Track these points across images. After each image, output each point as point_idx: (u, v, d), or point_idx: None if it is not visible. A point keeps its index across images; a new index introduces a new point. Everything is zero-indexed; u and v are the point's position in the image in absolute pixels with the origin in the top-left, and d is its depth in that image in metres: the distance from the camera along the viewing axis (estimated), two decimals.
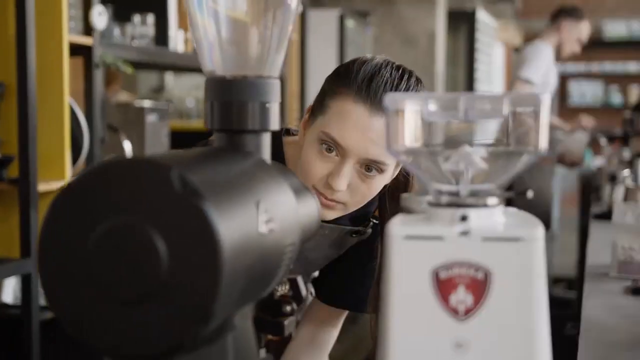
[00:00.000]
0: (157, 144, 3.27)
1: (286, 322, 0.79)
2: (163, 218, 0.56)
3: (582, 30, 4.85)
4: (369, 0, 5.95)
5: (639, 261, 1.84)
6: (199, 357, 0.60)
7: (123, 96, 4.47)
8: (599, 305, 1.64)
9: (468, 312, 0.64)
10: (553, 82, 4.81)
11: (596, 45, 7.90)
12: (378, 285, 1.37)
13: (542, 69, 4.64)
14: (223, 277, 0.56)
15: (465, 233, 0.64)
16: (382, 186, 1.30)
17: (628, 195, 2.57)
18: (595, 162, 5.31)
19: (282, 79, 4.39)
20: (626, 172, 2.91)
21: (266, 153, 0.73)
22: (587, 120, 5.16)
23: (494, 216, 0.66)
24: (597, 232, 2.66)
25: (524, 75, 4.57)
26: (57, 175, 2.61)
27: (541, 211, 4.44)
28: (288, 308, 0.80)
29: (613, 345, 1.40)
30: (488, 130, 0.71)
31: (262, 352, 0.83)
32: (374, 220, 1.44)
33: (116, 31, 3.07)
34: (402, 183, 1.37)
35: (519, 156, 0.68)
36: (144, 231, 0.56)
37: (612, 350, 1.38)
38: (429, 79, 5.85)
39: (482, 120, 0.70)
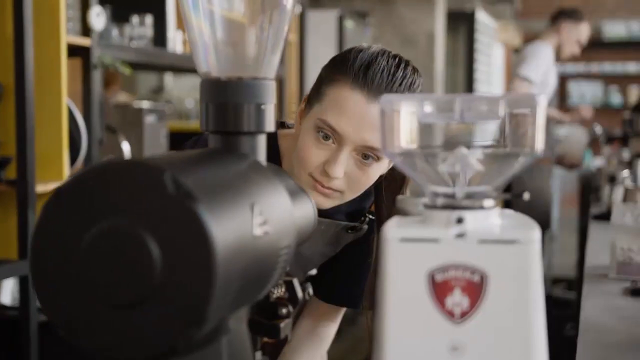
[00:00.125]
0: (156, 145, 3.26)
1: (282, 325, 0.79)
2: (156, 221, 0.56)
3: (581, 32, 4.85)
4: (368, 0, 5.95)
5: (638, 262, 1.83)
6: None
7: (122, 97, 4.47)
8: (597, 306, 1.64)
9: (464, 315, 0.63)
10: (552, 82, 4.81)
11: (596, 46, 7.90)
12: (374, 281, 1.37)
13: (542, 69, 4.64)
14: (217, 280, 0.55)
15: (461, 235, 0.64)
16: (379, 175, 1.30)
17: (627, 196, 2.56)
18: (594, 162, 5.31)
19: (281, 80, 4.39)
20: (625, 172, 2.91)
21: (262, 155, 0.73)
22: (587, 110, 5.15)
23: (490, 218, 0.65)
24: (597, 232, 2.65)
25: (523, 73, 4.57)
26: (55, 176, 2.60)
27: (541, 212, 4.44)
28: (284, 310, 0.80)
29: (612, 347, 1.39)
30: (487, 131, 0.71)
31: (258, 355, 0.83)
32: (370, 216, 1.44)
33: (114, 32, 3.06)
34: (398, 174, 1.37)
35: (516, 158, 0.67)
36: (137, 234, 0.56)
37: (611, 351, 1.37)
38: (429, 79, 5.84)
39: (480, 121, 0.69)
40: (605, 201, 3.39)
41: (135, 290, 0.56)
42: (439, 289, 0.63)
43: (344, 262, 1.49)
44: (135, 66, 3.41)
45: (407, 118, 0.67)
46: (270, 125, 0.72)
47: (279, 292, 0.82)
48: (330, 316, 1.55)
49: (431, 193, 0.67)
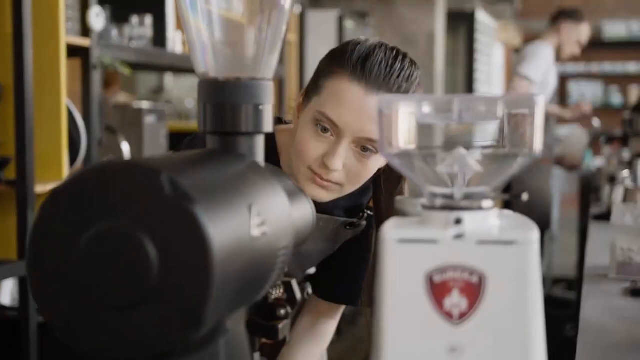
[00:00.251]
0: (156, 145, 3.26)
1: (280, 326, 0.79)
2: (154, 222, 0.55)
3: (581, 32, 4.84)
4: (368, 0, 5.95)
5: (638, 262, 1.83)
6: None
7: (122, 97, 4.46)
8: (597, 306, 1.63)
9: (462, 316, 0.63)
10: (553, 82, 4.80)
11: (596, 46, 7.89)
12: (372, 278, 1.37)
13: (542, 68, 4.64)
14: (214, 281, 0.55)
15: (459, 236, 0.63)
16: (378, 167, 1.29)
17: (627, 196, 2.56)
18: (595, 162, 5.31)
19: (281, 80, 4.39)
20: (625, 172, 2.90)
21: (260, 155, 0.72)
22: (587, 106, 5.14)
23: (489, 219, 0.65)
24: (597, 233, 2.65)
25: (523, 72, 4.57)
26: (54, 176, 2.60)
27: (541, 212, 4.44)
28: (282, 311, 0.79)
29: (611, 347, 1.39)
30: (487, 131, 0.71)
31: (257, 356, 0.83)
32: (368, 212, 1.44)
33: (114, 32, 3.06)
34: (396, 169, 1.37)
35: (514, 158, 0.67)
36: (134, 235, 0.55)
37: (611, 352, 1.37)
38: (429, 79, 5.84)
39: (478, 122, 0.69)
40: (605, 201, 3.39)
41: (132, 291, 0.55)
42: (438, 290, 0.63)
43: (342, 260, 1.49)
44: (135, 66, 3.41)
45: (405, 118, 0.67)
46: (268, 126, 0.72)
47: (278, 293, 0.82)
48: (330, 314, 1.55)
49: (429, 194, 0.67)
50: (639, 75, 8.83)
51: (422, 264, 0.63)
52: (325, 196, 1.29)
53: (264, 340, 0.90)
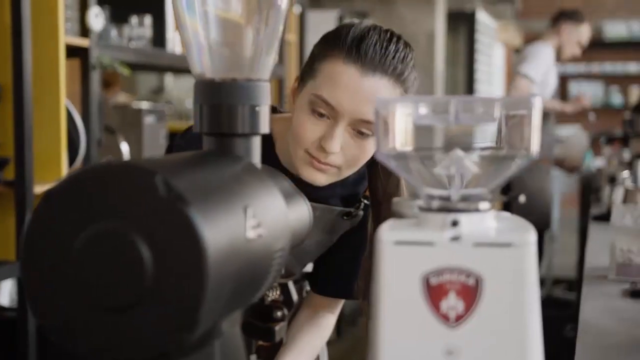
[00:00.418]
0: (155, 145, 3.26)
1: (277, 328, 0.78)
2: (148, 224, 0.55)
3: (582, 33, 4.84)
4: (368, 0, 5.94)
5: (637, 263, 1.83)
6: None
7: (122, 97, 4.46)
8: (597, 307, 1.63)
9: (459, 318, 0.63)
10: (553, 82, 4.80)
11: (596, 46, 7.89)
12: (369, 267, 1.37)
13: (542, 68, 4.64)
14: (209, 284, 0.55)
15: (456, 238, 0.63)
16: (375, 150, 1.29)
17: (627, 197, 2.55)
18: (595, 163, 5.30)
19: (281, 80, 4.39)
20: (625, 173, 2.90)
21: (256, 157, 0.72)
22: (586, 99, 5.14)
23: (486, 221, 0.65)
24: (596, 233, 2.65)
25: (524, 71, 4.57)
26: (53, 177, 2.60)
27: (541, 212, 4.43)
28: (279, 313, 0.79)
29: (611, 348, 1.39)
30: (487, 132, 0.70)
31: (253, 358, 0.82)
32: (365, 201, 1.43)
33: (113, 32, 3.06)
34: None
35: (512, 160, 0.67)
36: (128, 237, 0.55)
37: (610, 353, 1.37)
38: (429, 79, 5.84)
39: (475, 123, 0.69)
40: (606, 202, 3.38)
41: (126, 293, 0.55)
42: (434, 293, 0.63)
43: (339, 254, 1.49)
44: (134, 67, 3.41)
45: (402, 120, 0.66)
46: (264, 127, 0.72)
47: (274, 294, 0.82)
48: (329, 308, 1.54)
49: (426, 195, 0.66)
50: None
51: (418, 266, 0.63)
52: (323, 179, 1.29)
53: (260, 342, 0.90)
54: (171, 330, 0.55)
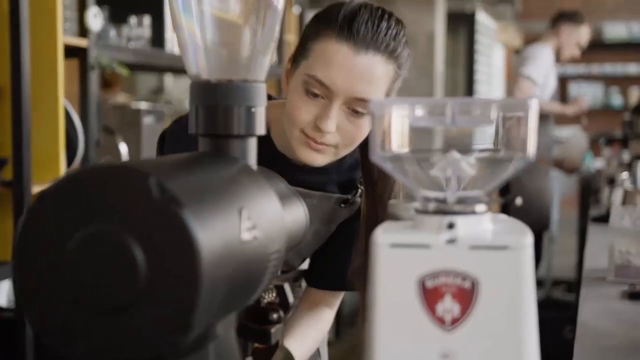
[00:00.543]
0: (154, 146, 3.25)
1: (273, 330, 0.78)
2: (141, 226, 0.55)
3: (581, 34, 4.84)
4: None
5: (636, 265, 1.82)
6: None
7: (121, 98, 4.46)
8: (595, 309, 1.63)
9: (455, 321, 0.62)
10: (552, 84, 4.80)
11: (596, 47, 7.88)
12: (365, 259, 1.36)
13: (543, 70, 4.64)
14: (203, 286, 0.54)
15: (452, 241, 0.63)
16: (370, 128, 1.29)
17: (627, 199, 2.55)
18: (594, 164, 5.30)
19: (280, 81, 4.38)
20: (625, 175, 2.90)
21: (252, 158, 0.72)
22: (585, 101, 5.14)
23: (482, 223, 0.64)
24: (595, 235, 2.65)
25: (526, 73, 4.56)
26: (51, 177, 2.59)
27: (540, 213, 4.43)
28: (275, 316, 0.79)
29: (609, 350, 1.38)
30: (487, 134, 0.70)
31: None
32: (362, 188, 1.43)
33: (112, 33, 3.05)
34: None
35: (508, 162, 0.66)
36: (121, 239, 0.55)
37: (608, 355, 1.36)
38: (429, 80, 5.83)
39: (472, 125, 0.68)
40: (605, 203, 3.38)
41: (120, 295, 0.55)
42: (430, 296, 0.63)
43: (335, 246, 1.48)
44: (133, 67, 3.40)
45: (398, 121, 0.66)
46: (261, 129, 0.71)
47: (270, 297, 0.81)
48: (327, 303, 1.52)
49: (422, 198, 0.66)
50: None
51: (414, 269, 0.63)
52: (320, 159, 1.29)
53: (256, 345, 0.90)
54: (165, 333, 0.55)
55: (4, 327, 2.65)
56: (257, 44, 0.71)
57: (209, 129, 0.70)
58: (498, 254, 0.62)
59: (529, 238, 0.63)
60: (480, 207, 0.65)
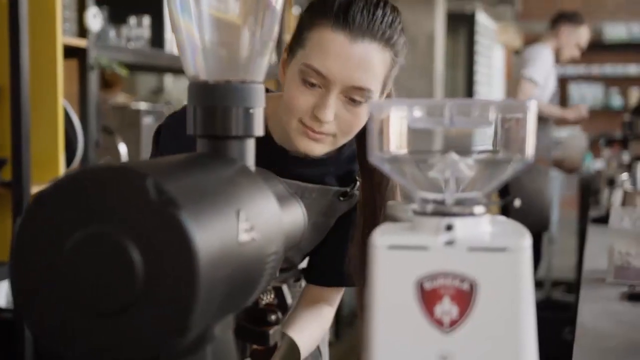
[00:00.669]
0: None
1: (271, 332, 0.78)
2: (138, 227, 0.54)
3: (581, 35, 4.84)
4: None
5: (635, 266, 1.82)
6: None
7: (121, 98, 4.45)
8: (594, 310, 1.63)
9: (453, 323, 0.62)
10: (552, 85, 4.80)
11: (596, 48, 7.88)
12: (361, 248, 1.36)
13: (544, 71, 4.64)
14: (200, 288, 0.54)
15: (450, 243, 0.62)
16: (368, 116, 1.29)
17: (626, 200, 2.55)
18: (594, 165, 5.30)
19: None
20: (625, 175, 2.89)
21: (250, 159, 0.72)
22: (585, 109, 5.14)
23: (480, 225, 0.64)
24: (595, 236, 2.64)
25: (529, 75, 4.56)
26: (50, 178, 2.59)
27: (540, 213, 4.43)
28: (273, 317, 0.79)
29: (609, 352, 1.38)
30: (487, 135, 0.70)
31: None
32: (359, 179, 1.43)
33: (111, 33, 3.05)
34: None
35: (507, 163, 0.66)
36: (119, 241, 0.54)
37: (608, 356, 1.36)
38: (428, 81, 5.83)
39: (471, 127, 0.68)
40: (604, 204, 3.38)
41: (117, 297, 0.55)
42: (428, 298, 0.62)
43: (333, 242, 1.47)
44: (133, 67, 3.40)
45: (396, 123, 0.66)
46: (259, 130, 0.71)
47: (268, 298, 0.81)
48: (327, 300, 1.51)
49: (420, 199, 0.66)
50: None
51: (412, 271, 0.63)
52: (319, 149, 1.29)
53: (254, 346, 0.90)
54: (162, 335, 0.55)
55: (3, 328, 2.64)
56: (256, 44, 0.71)
57: (207, 130, 0.69)
58: (496, 255, 0.62)
59: (527, 240, 0.63)
60: (478, 209, 0.64)
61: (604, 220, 2.70)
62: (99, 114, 2.92)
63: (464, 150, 0.66)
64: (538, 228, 4.31)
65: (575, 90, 8.99)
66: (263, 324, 0.78)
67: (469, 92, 6.95)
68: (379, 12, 1.25)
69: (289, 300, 0.81)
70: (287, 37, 4.59)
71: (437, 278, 0.62)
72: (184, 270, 0.54)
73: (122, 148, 3.08)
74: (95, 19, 2.80)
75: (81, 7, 2.77)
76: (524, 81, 4.57)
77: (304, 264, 1.55)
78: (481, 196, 0.65)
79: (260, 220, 0.65)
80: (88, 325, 0.56)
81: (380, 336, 0.63)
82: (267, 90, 1.45)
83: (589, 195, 4.43)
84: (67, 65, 2.74)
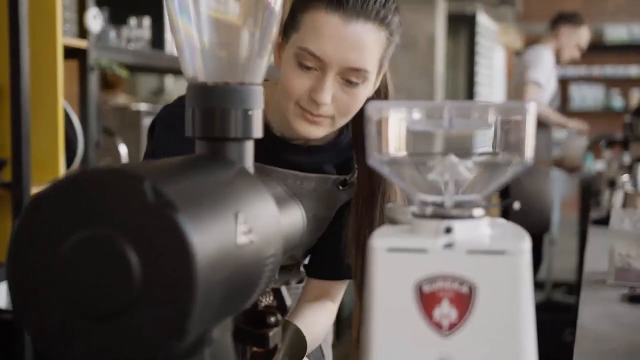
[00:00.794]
0: None
1: (271, 334, 0.78)
2: (136, 230, 0.54)
3: (581, 36, 4.83)
4: None
5: (636, 268, 1.82)
6: None
7: (121, 99, 4.45)
8: (595, 312, 1.62)
9: (452, 326, 0.62)
10: (553, 86, 4.80)
11: (597, 49, 7.88)
12: (357, 236, 1.35)
13: (546, 72, 4.63)
14: (198, 291, 0.54)
15: (449, 245, 0.62)
16: (366, 97, 1.29)
17: (627, 201, 2.54)
18: (595, 166, 5.30)
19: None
20: (625, 177, 2.89)
21: (249, 161, 0.71)
22: (584, 126, 5.13)
23: (480, 228, 0.64)
24: (596, 237, 2.64)
25: (533, 78, 4.55)
26: (50, 179, 2.58)
27: (541, 215, 4.42)
28: (272, 319, 0.78)
29: (609, 354, 1.38)
30: (487, 137, 0.70)
31: None
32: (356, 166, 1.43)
33: (112, 34, 3.05)
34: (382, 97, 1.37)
35: (506, 166, 0.66)
36: (116, 243, 0.54)
37: (608, 358, 1.36)
38: (429, 82, 5.83)
39: (470, 129, 0.68)
40: (605, 206, 3.37)
41: (114, 300, 0.54)
42: (427, 300, 0.62)
43: (333, 234, 1.46)
44: (133, 68, 3.40)
45: (395, 125, 0.65)
46: (257, 131, 0.71)
47: (267, 300, 0.81)
48: (330, 294, 1.50)
49: (420, 201, 0.65)
50: None
51: (411, 274, 0.62)
52: (318, 132, 1.29)
53: (254, 348, 0.89)
54: (160, 338, 0.54)
55: (3, 328, 2.64)
56: (255, 46, 0.71)
57: (206, 132, 0.69)
58: (496, 258, 0.61)
59: (526, 243, 0.62)
60: (478, 212, 0.64)
61: (604, 221, 2.69)
62: (99, 115, 2.91)
63: (464, 152, 0.66)
64: (539, 229, 4.30)
65: (576, 92, 8.98)
66: (262, 326, 0.78)
67: (470, 93, 6.95)
68: None
69: (289, 302, 0.81)
70: None
71: (436, 281, 0.62)
72: (182, 273, 0.54)
73: (123, 149, 3.08)
74: (95, 19, 2.80)
75: (81, 8, 2.77)
76: (530, 84, 4.56)
77: (306, 262, 1.54)
78: (480, 199, 0.65)
79: (259, 222, 0.65)
80: (86, 327, 0.55)
81: (379, 339, 0.63)
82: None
83: (589, 196, 4.42)
84: (68, 66, 2.74)
